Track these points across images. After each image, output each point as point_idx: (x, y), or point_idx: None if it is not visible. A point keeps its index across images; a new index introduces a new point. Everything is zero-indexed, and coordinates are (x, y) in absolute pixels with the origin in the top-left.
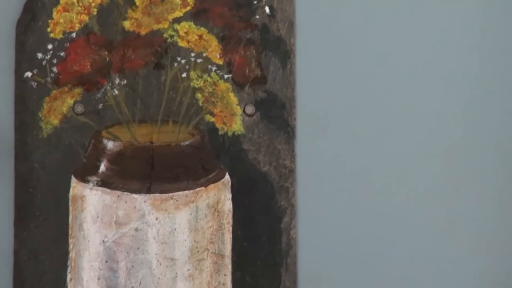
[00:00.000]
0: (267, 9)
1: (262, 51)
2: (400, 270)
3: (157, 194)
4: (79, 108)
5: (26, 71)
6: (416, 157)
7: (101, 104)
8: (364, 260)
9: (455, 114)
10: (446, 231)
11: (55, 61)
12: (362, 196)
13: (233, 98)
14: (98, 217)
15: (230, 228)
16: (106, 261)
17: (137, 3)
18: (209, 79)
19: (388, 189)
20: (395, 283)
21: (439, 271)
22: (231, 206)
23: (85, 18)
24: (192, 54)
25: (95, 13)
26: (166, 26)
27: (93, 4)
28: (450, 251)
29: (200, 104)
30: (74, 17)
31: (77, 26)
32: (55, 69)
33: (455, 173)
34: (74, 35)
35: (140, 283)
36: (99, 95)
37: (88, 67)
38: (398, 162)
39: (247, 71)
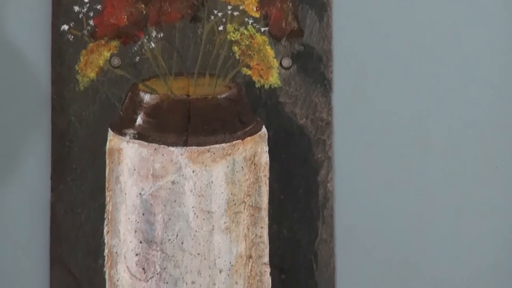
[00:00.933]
0: None
1: (299, 4)
2: (438, 221)
3: (194, 147)
4: (116, 61)
5: (63, 24)
6: (455, 110)
7: (138, 57)
8: (401, 212)
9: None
10: (489, 189)
11: (91, 14)
12: (399, 148)
13: (269, 51)
14: (135, 170)
15: (267, 181)
16: (143, 214)
17: None
18: (245, 32)
19: (426, 139)
20: (433, 233)
21: (481, 224)
22: (268, 159)
23: None
24: (229, 7)
25: None
26: None
27: None
28: (491, 208)
29: (237, 57)
30: None
31: None
32: (91, 22)
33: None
34: None
35: (177, 235)
36: (135, 48)
37: (125, 20)
38: (437, 113)
39: (284, 24)
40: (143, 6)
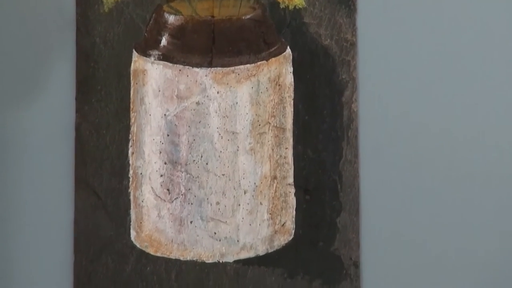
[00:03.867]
0: None
1: None
2: (464, 136)
3: (219, 68)
4: None
5: None
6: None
7: None
8: (426, 131)
9: None
10: None
11: None
12: (424, 67)
13: None
14: (159, 91)
15: (292, 102)
16: (168, 135)
17: None
18: None
19: (449, 57)
20: (459, 149)
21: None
22: (292, 79)
23: None
24: None
25: None
26: None
27: None
28: None
29: None
30: None
31: None
32: None
33: None
34: None
35: (201, 156)
36: None
37: None
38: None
39: None
40: None
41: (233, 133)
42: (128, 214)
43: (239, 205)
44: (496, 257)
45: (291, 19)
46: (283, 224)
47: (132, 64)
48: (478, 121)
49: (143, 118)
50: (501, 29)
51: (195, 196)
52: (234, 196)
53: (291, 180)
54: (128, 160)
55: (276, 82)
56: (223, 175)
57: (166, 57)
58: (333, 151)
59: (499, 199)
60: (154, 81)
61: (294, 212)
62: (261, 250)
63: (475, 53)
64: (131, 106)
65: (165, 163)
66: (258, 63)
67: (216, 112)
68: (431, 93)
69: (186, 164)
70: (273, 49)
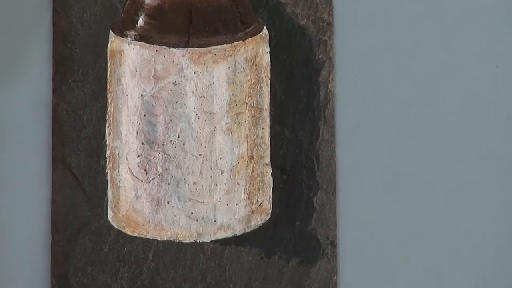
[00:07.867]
0: None
1: None
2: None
3: (196, 48)
4: None
5: None
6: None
7: None
8: (403, 111)
9: None
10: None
11: None
12: (402, 47)
13: None
14: (136, 71)
15: (268, 82)
16: (145, 115)
17: None
18: None
19: (428, 36)
20: (439, 133)
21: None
22: (269, 59)
23: None
24: None
25: None
26: None
27: None
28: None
29: None
30: None
31: None
32: None
33: None
34: None
35: (178, 136)
36: None
37: None
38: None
39: None
40: None
41: (210, 113)
42: (106, 194)
43: (216, 185)
44: (482, 237)
45: None
46: (260, 204)
47: (109, 44)
48: (457, 98)
49: (120, 98)
50: (483, 12)
51: (172, 176)
52: (211, 176)
53: (268, 160)
54: (105, 141)
55: (253, 62)
56: (200, 155)
57: (143, 37)
58: (310, 130)
59: (484, 176)
60: (131, 61)
61: (271, 191)
62: (238, 230)
63: (454, 31)
64: (108, 87)
65: (142, 144)
66: (235, 43)
67: (193, 92)
68: (408, 72)
69: (163, 144)
70: (250, 29)
